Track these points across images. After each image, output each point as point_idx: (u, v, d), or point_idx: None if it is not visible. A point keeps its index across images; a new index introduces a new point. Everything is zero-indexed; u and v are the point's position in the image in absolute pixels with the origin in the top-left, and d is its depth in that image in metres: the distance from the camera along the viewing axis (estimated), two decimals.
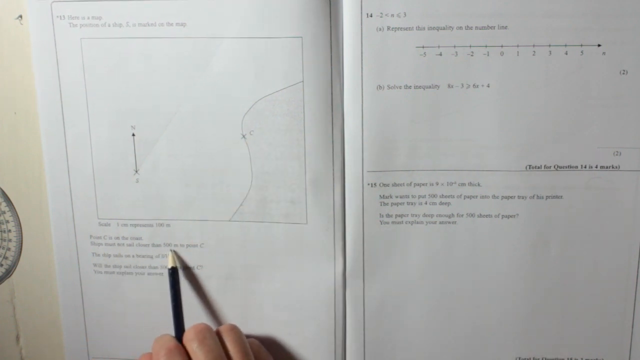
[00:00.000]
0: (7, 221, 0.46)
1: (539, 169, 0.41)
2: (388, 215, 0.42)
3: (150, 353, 0.42)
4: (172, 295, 0.43)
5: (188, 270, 0.44)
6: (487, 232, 0.42)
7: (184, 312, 0.43)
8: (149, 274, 0.44)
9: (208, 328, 0.41)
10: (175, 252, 0.44)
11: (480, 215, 0.42)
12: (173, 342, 0.41)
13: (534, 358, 0.43)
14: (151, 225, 0.44)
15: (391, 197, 0.42)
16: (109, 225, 0.44)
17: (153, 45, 0.41)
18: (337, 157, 0.42)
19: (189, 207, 0.43)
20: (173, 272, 0.43)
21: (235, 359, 0.40)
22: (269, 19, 0.40)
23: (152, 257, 0.44)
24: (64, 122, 0.43)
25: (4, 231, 0.46)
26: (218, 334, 0.42)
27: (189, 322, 0.43)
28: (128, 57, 0.41)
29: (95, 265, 0.45)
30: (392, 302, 0.43)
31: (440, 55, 0.40)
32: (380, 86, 0.40)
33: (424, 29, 0.39)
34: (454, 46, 0.39)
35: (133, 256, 0.44)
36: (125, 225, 0.44)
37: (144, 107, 0.42)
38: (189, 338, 0.41)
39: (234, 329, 0.42)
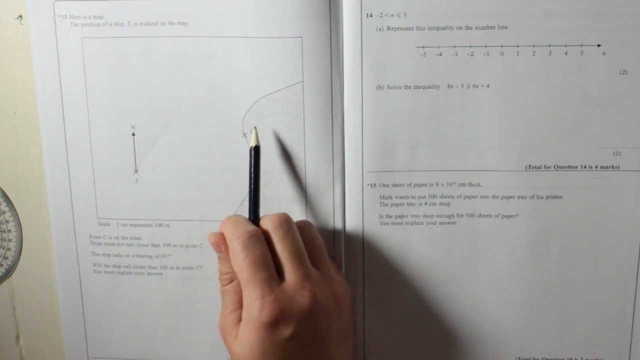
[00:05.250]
0: (7, 221, 0.45)
1: (539, 169, 0.41)
2: (388, 216, 0.42)
3: (220, 233, 0.39)
4: (253, 176, 0.40)
5: (188, 270, 0.44)
6: (487, 232, 0.42)
7: (179, 310, 0.43)
8: (148, 273, 0.44)
9: (291, 219, 0.39)
10: (257, 130, 0.41)
11: (480, 215, 0.42)
12: (253, 227, 0.37)
13: (534, 358, 0.43)
14: (150, 226, 0.44)
15: (391, 197, 0.42)
16: (109, 225, 0.44)
17: (154, 44, 0.41)
18: (337, 157, 0.42)
19: (189, 207, 0.43)
20: (256, 150, 0.40)
21: (313, 256, 0.38)
22: (269, 18, 0.40)
23: (151, 257, 0.44)
24: (64, 122, 0.43)
25: (4, 231, 0.46)
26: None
27: (187, 320, 0.43)
28: (129, 56, 0.41)
29: (95, 265, 0.45)
30: (391, 303, 0.43)
31: (440, 55, 0.40)
32: (380, 86, 0.40)
33: (424, 29, 0.39)
34: (454, 46, 0.39)
35: (132, 256, 0.44)
36: (125, 225, 0.44)
37: (144, 106, 0.42)
38: (272, 227, 0.37)
39: (312, 225, 0.40)
